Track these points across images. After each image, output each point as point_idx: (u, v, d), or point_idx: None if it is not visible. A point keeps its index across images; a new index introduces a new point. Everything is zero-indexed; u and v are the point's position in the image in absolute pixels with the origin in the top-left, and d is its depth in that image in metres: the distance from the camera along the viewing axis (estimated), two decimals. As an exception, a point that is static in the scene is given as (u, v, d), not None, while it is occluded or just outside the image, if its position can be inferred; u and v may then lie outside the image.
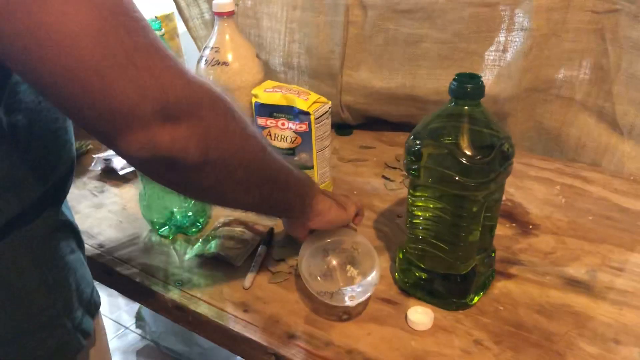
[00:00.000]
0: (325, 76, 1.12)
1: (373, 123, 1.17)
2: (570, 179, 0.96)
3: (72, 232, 0.63)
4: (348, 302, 0.66)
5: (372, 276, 0.68)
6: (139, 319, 1.80)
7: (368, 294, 0.67)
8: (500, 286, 0.72)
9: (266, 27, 1.13)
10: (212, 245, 0.80)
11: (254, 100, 0.83)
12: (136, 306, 1.82)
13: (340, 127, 1.17)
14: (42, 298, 0.57)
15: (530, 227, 0.84)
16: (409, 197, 0.69)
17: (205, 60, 0.84)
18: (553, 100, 1.01)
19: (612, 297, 0.70)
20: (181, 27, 1.35)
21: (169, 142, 0.45)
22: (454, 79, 0.63)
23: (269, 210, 0.66)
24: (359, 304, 0.68)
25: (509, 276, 0.74)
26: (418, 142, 0.66)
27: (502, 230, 0.84)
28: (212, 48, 0.84)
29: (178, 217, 0.83)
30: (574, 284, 0.72)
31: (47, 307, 0.58)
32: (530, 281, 0.73)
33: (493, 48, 0.98)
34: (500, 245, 0.80)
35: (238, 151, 0.54)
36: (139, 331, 1.81)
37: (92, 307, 0.64)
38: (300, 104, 0.79)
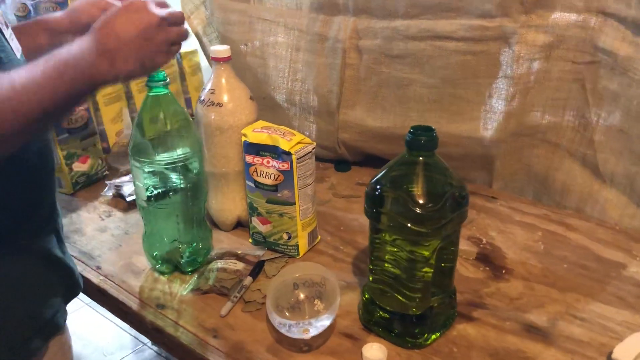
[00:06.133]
0: (324, 114, 1.17)
1: (371, 160, 1.21)
2: (554, 226, 0.97)
3: (41, 257, 0.69)
4: (302, 335, 0.70)
5: (328, 314, 0.72)
6: (155, 336, 1.87)
7: (322, 329, 0.71)
8: (460, 328, 0.75)
9: (272, 66, 1.20)
10: (210, 279, 0.84)
11: (243, 139, 0.89)
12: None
13: (339, 163, 1.22)
14: None
15: (504, 271, 0.86)
16: (370, 240, 0.73)
17: (202, 100, 0.91)
18: (539, 144, 1.03)
19: (567, 346, 0.71)
20: (203, 62, 1.44)
21: None
22: (410, 132, 0.67)
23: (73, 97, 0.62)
24: (320, 337, 0.72)
25: (470, 319, 0.77)
26: (378, 188, 0.70)
27: (475, 273, 0.86)
28: (209, 90, 0.91)
29: (179, 255, 0.87)
30: (532, 331, 0.74)
31: None
32: (490, 325, 0.75)
33: (478, 93, 1.02)
34: (469, 288, 0.82)
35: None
36: (155, 348, 1.88)
37: (49, 329, 0.69)
38: (283, 145, 0.85)
